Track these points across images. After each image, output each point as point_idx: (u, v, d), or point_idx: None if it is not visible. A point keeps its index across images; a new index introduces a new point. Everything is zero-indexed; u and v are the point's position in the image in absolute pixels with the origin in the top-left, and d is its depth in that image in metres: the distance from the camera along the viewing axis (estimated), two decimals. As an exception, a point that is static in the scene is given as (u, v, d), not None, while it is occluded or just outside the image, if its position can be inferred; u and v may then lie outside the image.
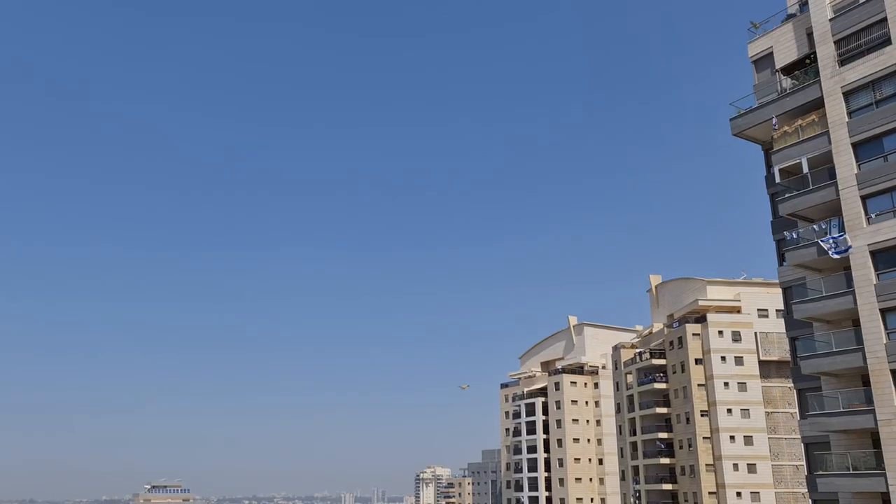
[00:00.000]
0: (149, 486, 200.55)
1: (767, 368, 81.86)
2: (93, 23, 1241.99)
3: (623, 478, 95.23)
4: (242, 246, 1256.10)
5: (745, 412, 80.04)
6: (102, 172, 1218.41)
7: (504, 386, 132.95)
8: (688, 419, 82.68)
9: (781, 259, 42.29)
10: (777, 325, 79.43)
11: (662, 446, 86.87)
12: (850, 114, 37.60)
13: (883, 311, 35.34)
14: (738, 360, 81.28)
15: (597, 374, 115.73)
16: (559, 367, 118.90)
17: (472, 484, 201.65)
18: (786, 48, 41.53)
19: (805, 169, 39.19)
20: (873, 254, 36.01)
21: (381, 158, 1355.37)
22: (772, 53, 42.25)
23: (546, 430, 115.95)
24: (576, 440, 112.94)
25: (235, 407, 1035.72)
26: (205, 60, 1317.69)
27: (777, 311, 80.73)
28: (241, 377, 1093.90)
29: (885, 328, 35.29)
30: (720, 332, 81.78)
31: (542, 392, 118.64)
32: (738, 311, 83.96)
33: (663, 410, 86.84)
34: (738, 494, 77.58)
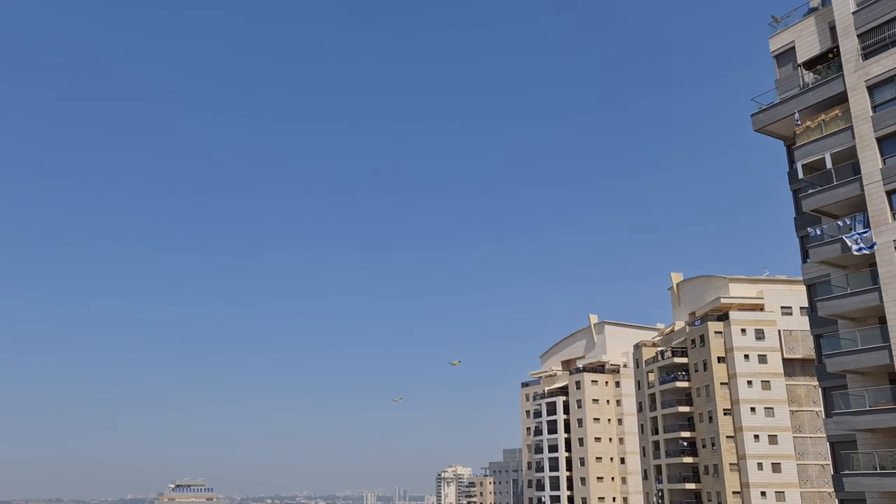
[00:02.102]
0: (173, 486, 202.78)
1: (791, 366, 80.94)
2: (93, 19, 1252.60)
3: (645, 477, 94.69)
4: (266, 246, 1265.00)
5: (770, 411, 79.22)
6: (114, 172, 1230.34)
7: (525, 385, 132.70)
8: (710, 418, 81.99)
9: (805, 256, 41.82)
10: (801, 323, 78.50)
11: (685, 445, 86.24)
12: (874, 108, 37.06)
13: (910, 308, 34.78)
14: (762, 359, 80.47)
15: (618, 372, 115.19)
16: (580, 365, 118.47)
17: (494, 483, 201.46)
18: (808, 42, 41.04)
19: (829, 164, 38.71)
20: (899, 250, 35.44)
21: (394, 156, 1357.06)
22: (794, 48, 41.77)
23: (567, 429, 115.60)
24: (597, 439, 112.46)
25: (259, 406, 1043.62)
26: (196, 57, 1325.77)
27: (801, 308, 79.80)
28: (265, 377, 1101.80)
29: (913, 325, 34.72)
30: (743, 330, 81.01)
31: (563, 391, 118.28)
32: (761, 308, 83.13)
33: (686, 409, 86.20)
34: (763, 494, 76.82)
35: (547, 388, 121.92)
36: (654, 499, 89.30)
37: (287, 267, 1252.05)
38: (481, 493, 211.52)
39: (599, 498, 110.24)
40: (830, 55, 39.70)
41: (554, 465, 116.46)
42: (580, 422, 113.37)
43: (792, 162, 42.71)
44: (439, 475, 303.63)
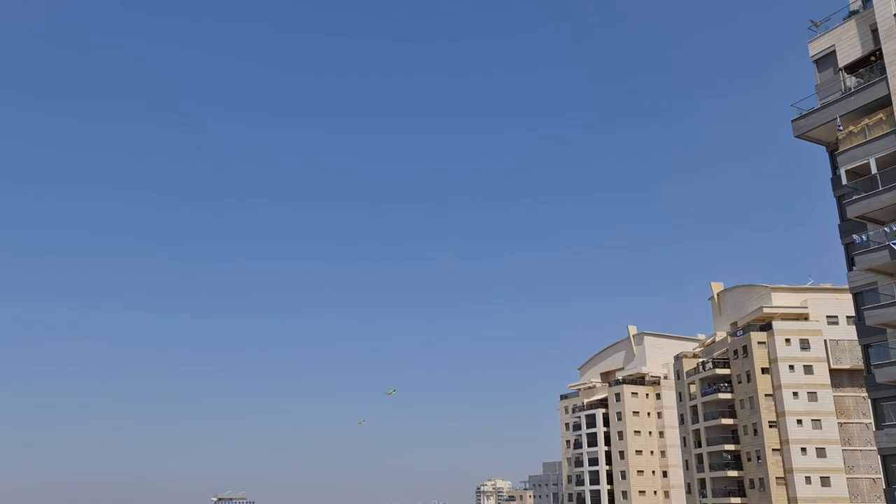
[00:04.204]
0: (215, 499, 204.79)
1: (839, 377, 78.92)
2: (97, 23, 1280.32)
3: (689, 491, 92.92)
4: (291, 257, 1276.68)
5: (817, 423, 77.28)
6: (110, 175, 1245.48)
7: (564, 397, 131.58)
8: (755, 430, 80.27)
9: (851, 263, 40.92)
10: (848, 332, 76.58)
11: (729, 458, 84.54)
12: (920, 111, 36.22)
13: (963, 316, 33.78)
14: (808, 369, 78.60)
15: (658, 384, 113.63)
16: (620, 377, 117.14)
17: (534, 497, 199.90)
18: (849, 46, 40.33)
19: (873, 169, 37.94)
20: (950, 256, 34.50)
21: (426, 166, 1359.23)
22: (834, 52, 41.11)
23: (608, 442, 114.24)
24: (638, 452, 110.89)
25: (299, 418, 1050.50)
26: (197, 61, 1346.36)
27: (848, 317, 77.88)
28: (300, 388, 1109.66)
29: (966, 334, 33.71)
30: (787, 340, 79.31)
31: (603, 403, 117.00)
32: (805, 318, 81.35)
33: (729, 421, 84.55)
34: (812, 508, 74.83)
35: (586, 401, 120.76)
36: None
37: (312, 275, 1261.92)
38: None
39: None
40: (873, 58, 38.98)
41: (594, 479, 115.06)
42: (620, 434, 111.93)
43: (835, 168, 41.96)
44: (479, 489, 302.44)
